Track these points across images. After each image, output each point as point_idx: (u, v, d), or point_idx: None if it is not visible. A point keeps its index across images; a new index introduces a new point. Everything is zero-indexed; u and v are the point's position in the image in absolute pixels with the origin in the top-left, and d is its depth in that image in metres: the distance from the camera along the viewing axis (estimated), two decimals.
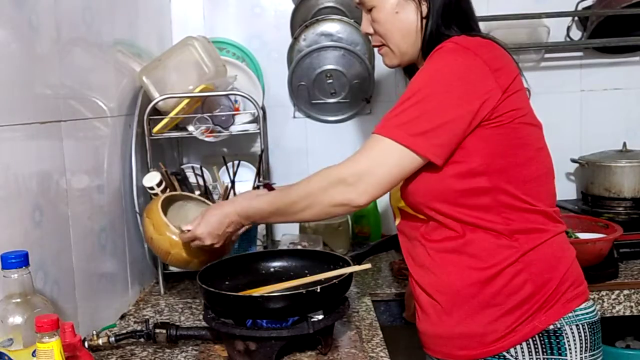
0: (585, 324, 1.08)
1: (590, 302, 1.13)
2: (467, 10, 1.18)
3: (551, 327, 1.06)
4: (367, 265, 1.35)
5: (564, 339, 1.06)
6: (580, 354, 1.07)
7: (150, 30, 1.93)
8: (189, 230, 1.26)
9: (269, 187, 1.51)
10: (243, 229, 1.29)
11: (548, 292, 1.07)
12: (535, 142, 1.12)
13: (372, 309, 1.50)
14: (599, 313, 1.15)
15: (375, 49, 1.25)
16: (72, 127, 1.27)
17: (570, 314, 1.07)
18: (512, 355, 1.07)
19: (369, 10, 1.19)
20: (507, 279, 1.07)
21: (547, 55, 2.17)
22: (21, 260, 0.92)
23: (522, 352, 1.06)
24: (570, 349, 1.06)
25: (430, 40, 1.14)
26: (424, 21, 1.14)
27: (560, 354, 1.06)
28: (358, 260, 1.37)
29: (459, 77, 1.05)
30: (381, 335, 1.32)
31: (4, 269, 0.92)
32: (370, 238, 2.11)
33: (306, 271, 1.35)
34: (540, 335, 1.06)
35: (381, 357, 1.21)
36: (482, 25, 2.06)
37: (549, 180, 1.14)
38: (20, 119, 1.07)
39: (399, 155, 1.06)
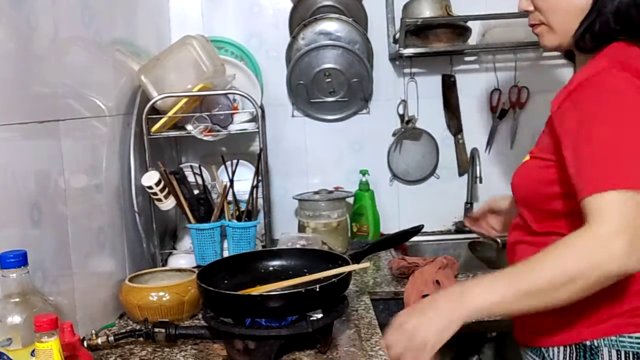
0: (631, 353, 1.01)
1: None
2: None
3: (588, 342, 1.03)
4: (366, 264, 1.36)
5: (598, 358, 1.03)
6: None
7: (148, 29, 1.92)
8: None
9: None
10: None
11: (598, 308, 1.02)
12: None
13: (371, 307, 1.50)
14: None
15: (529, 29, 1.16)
16: (71, 126, 1.27)
17: (613, 337, 1.02)
18: (549, 355, 1.08)
19: None
20: None
21: (545, 54, 2.17)
22: (20, 259, 0.92)
23: (558, 355, 1.06)
24: None
25: (590, 31, 1.04)
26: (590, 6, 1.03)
27: None
28: (357, 259, 1.37)
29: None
30: (380, 334, 1.32)
31: (2, 268, 0.92)
32: (369, 237, 2.11)
33: (305, 270, 1.35)
34: (577, 346, 1.04)
35: (380, 355, 1.21)
36: (480, 23, 2.09)
37: None
38: (19, 118, 1.07)
39: None
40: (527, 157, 1.14)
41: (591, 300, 0.96)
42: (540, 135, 1.13)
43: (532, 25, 1.14)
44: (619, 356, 1.02)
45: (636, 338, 1.02)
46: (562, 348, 1.06)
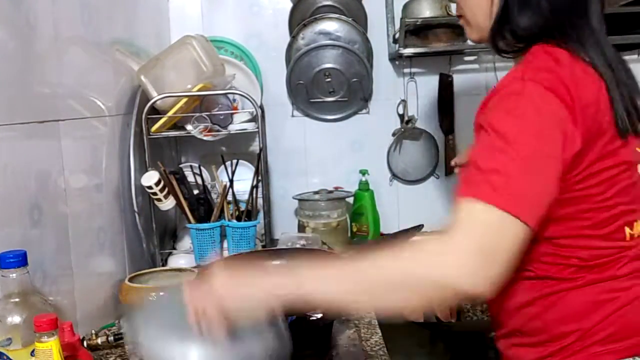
0: None
1: None
2: None
3: None
4: None
5: None
6: None
7: (148, 29, 1.92)
8: None
9: None
10: None
11: (566, 342, 0.96)
12: None
13: None
14: None
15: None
16: (70, 126, 1.27)
17: None
18: None
19: None
20: (524, 320, 1.00)
21: None
22: (20, 259, 0.92)
23: None
24: None
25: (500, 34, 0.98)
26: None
27: None
28: None
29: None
30: (380, 334, 1.32)
31: (2, 268, 0.92)
32: (369, 237, 2.11)
33: None
34: None
35: (380, 355, 1.21)
36: None
37: None
38: (18, 118, 1.07)
39: None
40: None
41: (562, 334, 0.95)
42: None
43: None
44: None
45: None
46: None
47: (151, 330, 0.88)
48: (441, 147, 2.22)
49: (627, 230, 0.95)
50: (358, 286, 0.84)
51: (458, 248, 0.79)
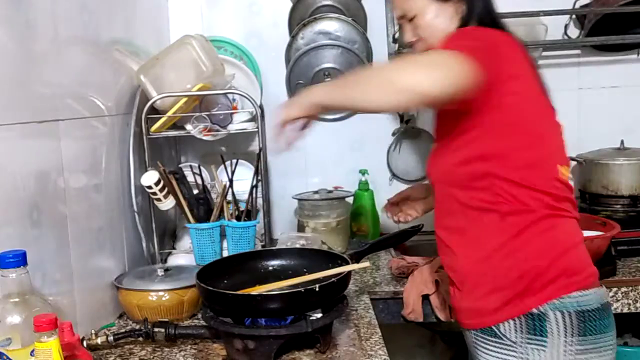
0: (572, 312, 1.11)
1: (589, 291, 1.14)
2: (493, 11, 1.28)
3: (535, 310, 1.12)
4: (366, 264, 1.36)
5: (546, 323, 1.11)
6: (565, 338, 1.11)
7: (148, 29, 1.92)
8: None
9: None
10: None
11: (534, 278, 1.13)
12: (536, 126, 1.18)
13: (371, 307, 1.50)
14: (598, 301, 1.14)
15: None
16: (70, 126, 1.27)
17: (555, 301, 1.12)
18: (501, 331, 1.15)
19: (411, 20, 1.26)
20: (495, 263, 1.16)
21: (544, 54, 2.17)
22: (19, 259, 0.92)
23: (509, 329, 1.14)
24: (552, 333, 1.11)
25: None
26: (461, 21, 1.23)
27: (542, 335, 1.12)
28: (357, 259, 1.37)
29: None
30: (380, 334, 1.32)
31: (2, 268, 0.92)
32: (369, 236, 2.11)
33: (305, 270, 1.35)
34: (526, 316, 1.13)
35: (380, 355, 1.21)
36: None
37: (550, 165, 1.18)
38: (18, 118, 1.07)
39: None
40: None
41: (530, 271, 1.13)
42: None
43: (412, 44, 1.30)
44: (563, 317, 1.11)
45: (575, 297, 1.12)
46: (511, 322, 1.14)
47: None
48: None
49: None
50: (358, 84, 1.09)
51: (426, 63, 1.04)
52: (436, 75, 1.00)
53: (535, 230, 1.15)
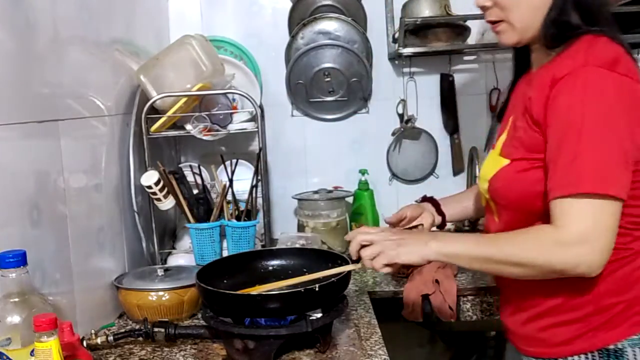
0: None
1: None
2: None
3: (612, 346, 1.04)
4: None
5: None
6: None
7: (147, 28, 1.92)
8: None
9: (433, 200, 1.51)
10: None
11: (612, 313, 1.04)
12: None
13: (371, 307, 1.50)
14: None
15: (488, 25, 1.13)
16: (70, 126, 1.27)
17: (635, 337, 1.03)
18: None
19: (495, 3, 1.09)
20: (569, 295, 1.07)
21: None
22: (19, 259, 0.92)
23: None
24: None
25: (554, 25, 1.05)
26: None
27: None
28: (356, 259, 1.37)
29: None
30: (380, 333, 1.32)
31: (1, 268, 0.92)
32: None
33: (304, 269, 1.35)
34: (600, 351, 1.05)
35: (380, 355, 1.21)
36: (479, 23, 2.08)
37: None
38: (18, 118, 1.07)
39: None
40: (505, 160, 1.11)
41: (610, 305, 1.04)
42: (512, 135, 1.12)
43: (491, 22, 1.11)
44: None
45: None
46: (582, 356, 1.06)
47: None
48: (441, 147, 2.22)
49: None
50: (488, 255, 1.03)
51: (571, 240, 0.95)
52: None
53: (628, 268, 1.05)
